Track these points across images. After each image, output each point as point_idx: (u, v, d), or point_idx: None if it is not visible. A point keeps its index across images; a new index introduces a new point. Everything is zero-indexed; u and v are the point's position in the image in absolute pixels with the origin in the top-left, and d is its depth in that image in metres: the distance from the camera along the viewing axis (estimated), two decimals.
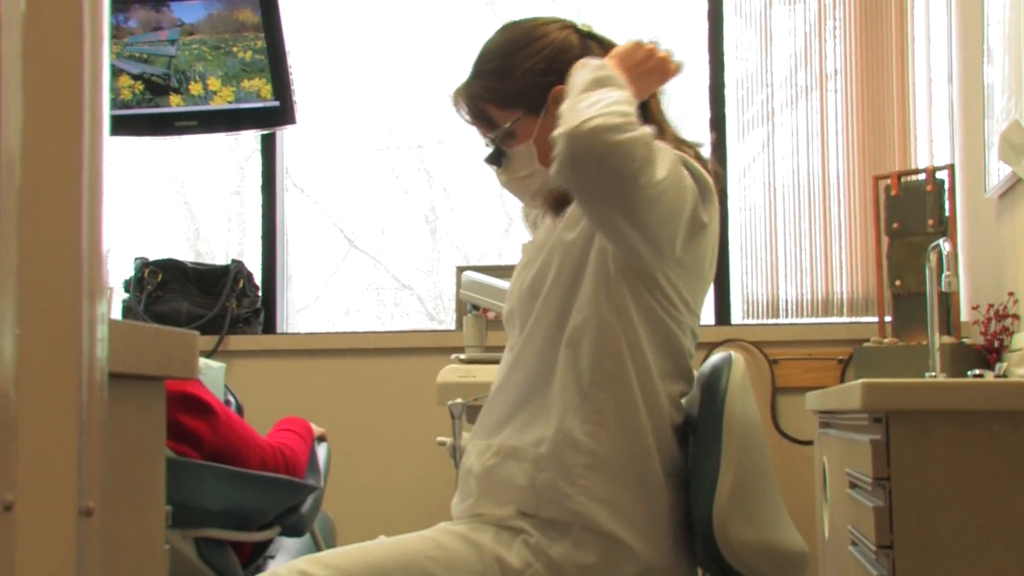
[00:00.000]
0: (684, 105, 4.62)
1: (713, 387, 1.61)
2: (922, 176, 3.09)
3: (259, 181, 3.87)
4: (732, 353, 1.66)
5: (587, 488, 1.54)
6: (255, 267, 3.78)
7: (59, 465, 0.73)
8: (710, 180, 1.61)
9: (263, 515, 1.91)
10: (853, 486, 1.94)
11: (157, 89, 3.53)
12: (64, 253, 0.76)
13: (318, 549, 2.20)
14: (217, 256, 5.11)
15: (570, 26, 1.76)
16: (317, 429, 2.30)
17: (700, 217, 1.58)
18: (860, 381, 1.70)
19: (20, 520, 0.67)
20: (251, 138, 4.14)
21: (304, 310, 4.75)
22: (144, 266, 3.64)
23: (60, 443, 0.74)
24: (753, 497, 1.59)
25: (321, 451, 2.26)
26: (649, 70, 1.67)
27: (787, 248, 3.50)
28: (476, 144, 1.85)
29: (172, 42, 3.51)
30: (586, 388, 1.58)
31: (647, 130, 1.47)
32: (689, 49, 3.91)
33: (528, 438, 1.60)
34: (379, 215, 4.68)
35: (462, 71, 1.83)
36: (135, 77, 3.54)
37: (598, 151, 1.42)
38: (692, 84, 3.77)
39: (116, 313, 3.59)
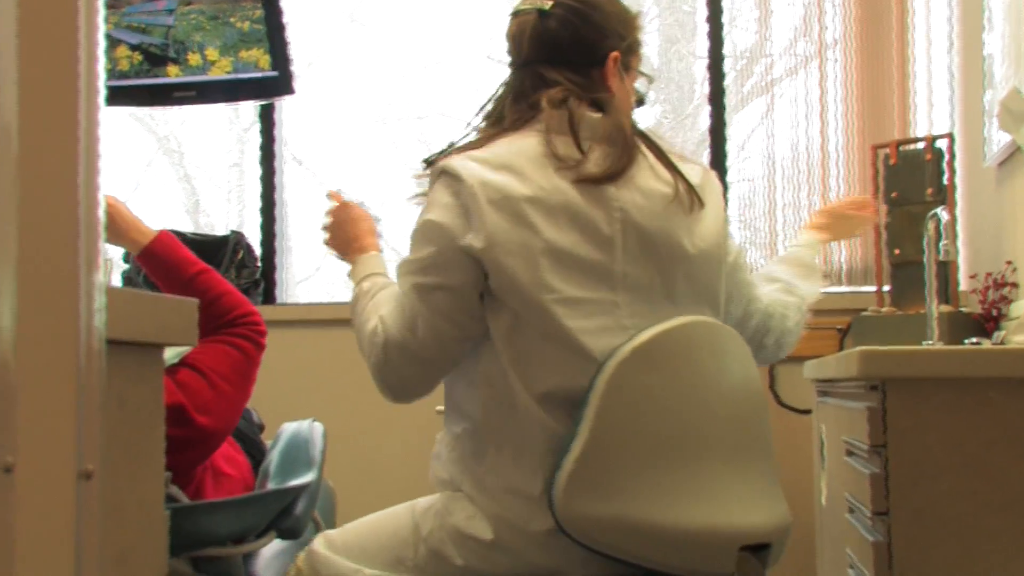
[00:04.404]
0: (683, 76, 4.62)
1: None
2: (921, 145, 3.09)
3: (258, 152, 3.87)
4: (667, 325, 1.61)
5: (455, 457, 1.70)
6: (255, 239, 3.78)
7: (58, 429, 0.74)
8: (447, 226, 1.62)
9: (255, 528, 1.92)
10: (850, 454, 1.95)
11: (155, 60, 3.52)
12: (61, 224, 0.77)
13: (318, 533, 2.22)
14: (217, 228, 5.11)
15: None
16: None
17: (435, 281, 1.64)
18: (858, 349, 1.70)
19: (20, 482, 0.68)
20: (250, 109, 4.13)
21: (304, 282, 4.75)
22: None
23: (59, 408, 0.74)
24: (610, 470, 1.54)
25: (317, 434, 2.25)
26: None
27: (786, 218, 3.50)
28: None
29: (170, 12, 3.49)
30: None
31: (380, 344, 1.70)
32: (688, 20, 3.90)
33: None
34: (379, 187, 4.67)
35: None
36: (133, 48, 3.53)
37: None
38: (691, 55, 3.76)
39: (116, 283, 3.59)
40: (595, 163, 1.63)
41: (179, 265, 2.05)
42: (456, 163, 1.64)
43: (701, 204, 1.67)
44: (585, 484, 1.52)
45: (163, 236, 2.07)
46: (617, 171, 1.63)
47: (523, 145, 1.65)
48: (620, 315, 1.62)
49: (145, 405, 1.11)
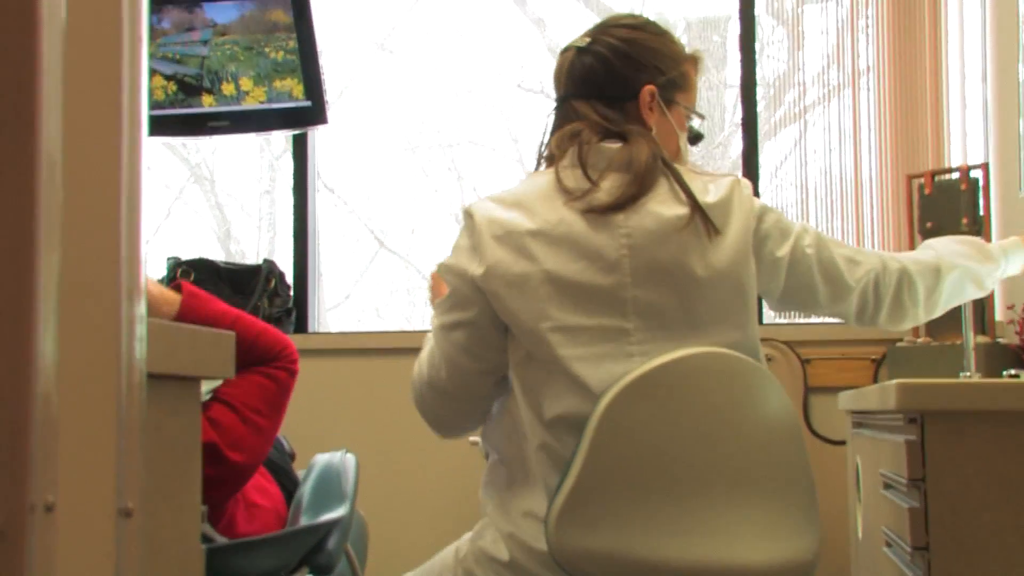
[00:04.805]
0: (713, 105, 4.61)
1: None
2: (956, 175, 3.06)
3: (289, 181, 3.89)
4: (669, 356, 1.59)
5: (488, 483, 1.78)
6: (285, 266, 3.79)
7: (99, 466, 0.73)
8: (460, 265, 1.70)
9: (289, 564, 1.93)
10: (887, 486, 1.92)
11: (190, 89, 3.55)
12: (103, 254, 0.77)
13: (351, 566, 2.22)
14: (247, 255, 5.13)
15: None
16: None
17: (454, 317, 1.73)
18: (895, 381, 1.68)
19: (61, 520, 0.67)
20: (281, 139, 4.15)
21: (334, 309, 4.76)
22: (177, 266, 3.65)
23: (99, 444, 0.74)
24: (601, 502, 1.55)
25: (349, 466, 2.25)
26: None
27: None
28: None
29: (205, 43, 3.52)
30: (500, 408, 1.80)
31: (417, 384, 1.81)
32: (719, 49, 3.90)
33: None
34: (409, 215, 4.69)
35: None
36: (168, 77, 3.56)
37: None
38: (722, 84, 3.76)
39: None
40: (606, 192, 1.67)
41: (212, 324, 2.04)
42: (474, 205, 1.72)
43: (716, 231, 1.67)
44: (576, 516, 1.54)
45: (188, 300, 2.03)
46: (627, 199, 1.66)
47: (539, 182, 1.72)
48: (628, 342, 1.64)
49: (182, 439, 1.10)
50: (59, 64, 0.72)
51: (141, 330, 0.80)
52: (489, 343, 1.70)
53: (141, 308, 0.80)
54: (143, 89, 0.81)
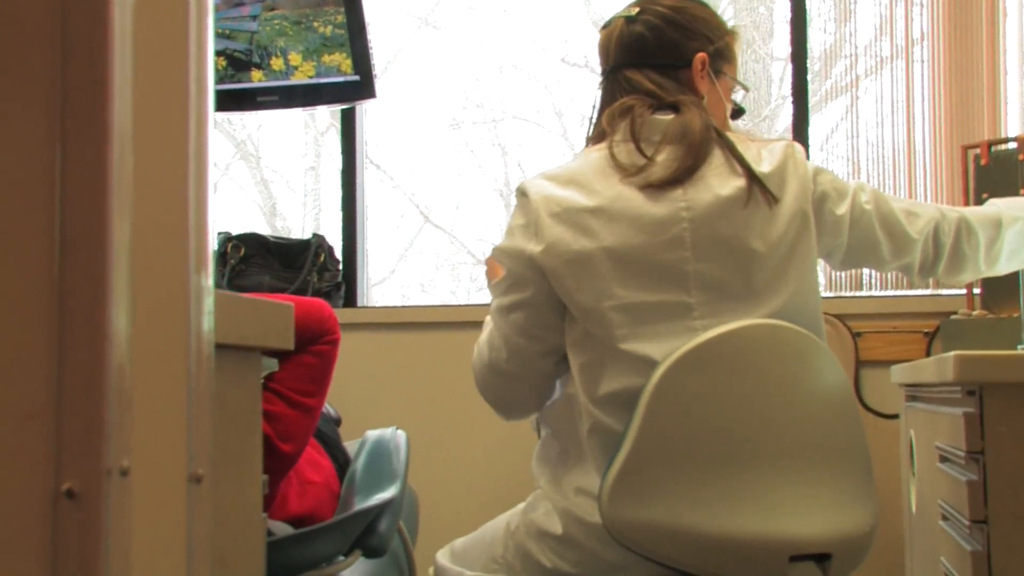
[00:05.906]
0: (759, 78, 4.57)
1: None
2: (1013, 144, 3.02)
3: (334, 157, 3.90)
4: (723, 328, 1.59)
5: (541, 457, 1.79)
6: (331, 242, 3.80)
7: (170, 433, 0.75)
8: (515, 245, 1.70)
9: (342, 549, 1.95)
10: (944, 460, 1.91)
11: (239, 65, 3.56)
12: (172, 227, 0.78)
13: (403, 544, 2.24)
14: (293, 231, 5.16)
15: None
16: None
17: (512, 298, 1.73)
18: (953, 353, 1.66)
19: (135, 484, 0.69)
20: (326, 115, 4.16)
21: (379, 284, 4.78)
22: (227, 240, 3.68)
23: (171, 412, 0.75)
24: (654, 474, 1.54)
25: (401, 444, 2.26)
26: None
27: None
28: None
29: (254, 18, 3.53)
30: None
31: (478, 367, 1.84)
32: (765, 21, 3.86)
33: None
34: (454, 190, 4.69)
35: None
36: (218, 53, 3.57)
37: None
38: (768, 56, 3.72)
39: None
40: (663, 165, 1.66)
41: None
42: (528, 183, 1.72)
43: (776, 199, 1.65)
44: (629, 488, 1.54)
45: None
46: (683, 171, 1.66)
47: (592, 158, 1.71)
48: (691, 316, 1.63)
49: (244, 409, 1.11)
50: (129, 40, 0.73)
51: (209, 302, 0.81)
52: (547, 323, 1.70)
53: (209, 280, 0.81)
54: (209, 64, 0.82)
